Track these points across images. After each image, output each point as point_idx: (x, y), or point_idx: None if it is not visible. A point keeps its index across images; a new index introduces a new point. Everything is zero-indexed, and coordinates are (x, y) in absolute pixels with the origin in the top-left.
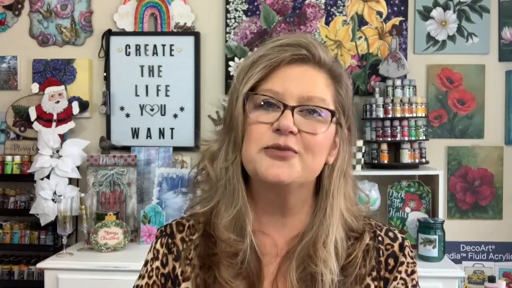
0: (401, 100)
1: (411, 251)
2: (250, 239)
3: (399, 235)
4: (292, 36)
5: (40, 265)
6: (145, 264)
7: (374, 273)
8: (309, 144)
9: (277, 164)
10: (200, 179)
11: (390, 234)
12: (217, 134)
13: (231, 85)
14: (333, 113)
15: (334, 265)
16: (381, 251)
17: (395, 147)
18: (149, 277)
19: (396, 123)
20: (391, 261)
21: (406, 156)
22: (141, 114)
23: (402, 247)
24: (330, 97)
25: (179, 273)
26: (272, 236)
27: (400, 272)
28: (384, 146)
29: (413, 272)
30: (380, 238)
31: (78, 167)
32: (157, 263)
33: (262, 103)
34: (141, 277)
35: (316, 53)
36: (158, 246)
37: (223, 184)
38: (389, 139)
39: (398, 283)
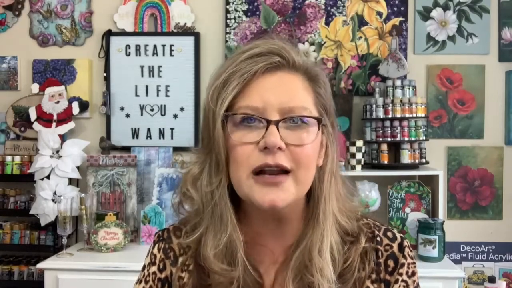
0: (401, 101)
1: (411, 251)
2: (243, 263)
3: (398, 235)
4: (261, 43)
5: (40, 265)
6: (143, 269)
7: (374, 276)
8: (299, 158)
9: (271, 190)
10: (183, 202)
11: (389, 234)
12: (196, 154)
13: (204, 105)
14: (319, 120)
15: (331, 273)
16: (380, 252)
17: (395, 148)
18: (146, 282)
19: (396, 123)
20: (390, 263)
21: (406, 157)
22: (141, 115)
23: (401, 248)
24: (311, 102)
25: (176, 279)
26: (269, 245)
27: (401, 275)
28: (384, 147)
29: (413, 273)
30: (378, 239)
31: (78, 168)
32: (154, 268)
33: (242, 120)
34: (139, 281)
35: (290, 57)
36: (155, 251)
37: (210, 209)
38: (389, 139)
39: (399, 286)
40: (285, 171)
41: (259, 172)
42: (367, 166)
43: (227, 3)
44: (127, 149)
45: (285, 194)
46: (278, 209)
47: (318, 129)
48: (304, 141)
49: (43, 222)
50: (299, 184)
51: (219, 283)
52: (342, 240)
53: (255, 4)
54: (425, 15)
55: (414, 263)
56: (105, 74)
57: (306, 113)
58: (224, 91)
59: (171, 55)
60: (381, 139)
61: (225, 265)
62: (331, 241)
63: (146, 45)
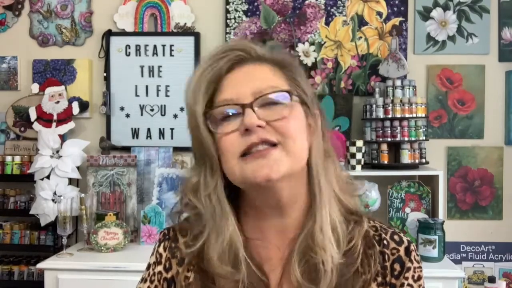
0: (401, 101)
1: (417, 255)
2: (246, 263)
3: (404, 239)
4: (222, 45)
5: (40, 265)
6: (148, 268)
7: (380, 279)
8: (283, 130)
9: (261, 163)
10: (186, 212)
11: (396, 237)
12: (192, 168)
13: (188, 118)
14: (289, 92)
15: (335, 250)
16: (386, 256)
17: (395, 148)
18: (151, 281)
19: (396, 123)
20: (397, 267)
21: (406, 157)
22: (141, 115)
23: (408, 252)
24: (283, 82)
25: (181, 278)
26: (274, 241)
27: (407, 279)
28: (384, 147)
29: (419, 277)
30: (385, 242)
31: (78, 168)
32: (160, 268)
33: (222, 115)
34: (143, 280)
35: (253, 51)
36: (161, 250)
37: (210, 211)
38: (389, 139)
39: None
40: (272, 145)
41: (247, 154)
42: (367, 166)
43: (227, 3)
44: (127, 149)
45: (277, 164)
46: (273, 181)
47: (291, 99)
48: (283, 114)
49: (43, 222)
50: (290, 154)
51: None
52: (345, 220)
53: (255, 4)
54: (425, 15)
55: (420, 267)
56: (105, 74)
57: (277, 90)
58: (199, 92)
59: (171, 55)
60: (381, 139)
61: (230, 267)
62: (334, 219)
63: (146, 45)
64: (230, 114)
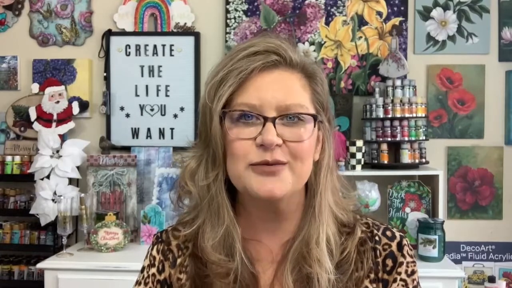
0: (401, 100)
1: (411, 250)
2: (240, 256)
3: (397, 234)
4: (258, 41)
5: (40, 265)
6: (142, 271)
7: (372, 275)
8: (296, 152)
9: (268, 180)
10: (182, 196)
11: (388, 233)
12: (193, 148)
13: (202, 101)
14: (315, 117)
15: (329, 264)
16: (378, 252)
17: (395, 147)
18: (145, 284)
19: (396, 123)
20: (389, 262)
21: (406, 156)
22: (141, 114)
23: (400, 246)
24: (308, 99)
25: (174, 280)
26: (267, 242)
27: (399, 273)
28: (384, 146)
29: (413, 272)
30: (377, 238)
31: (78, 167)
32: (153, 270)
33: (239, 117)
34: (138, 283)
35: (287, 56)
36: (154, 252)
37: (207, 202)
38: (389, 139)
39: (398, 285)
40: (281, 164)
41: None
42: (367, 166)
43: (227, 3)
44: (127, 149)
45: (282, 183)
46: (276, 198)
47: (314, 126)
48: (301, 137)
49: (43, 222)
50: (295, 174)
51: (217, 274)
52: (338, 232)
53: (255, 4)
54: (425, 15)
55: (414, 262)
56: (105, 74)
57: (303, 110)
58: (221, 88)
59: (171, 55)
60: (381, 139)
61: (223, 256)
62: (328, 232)
63: (146, 45)
64: (248, 119)
